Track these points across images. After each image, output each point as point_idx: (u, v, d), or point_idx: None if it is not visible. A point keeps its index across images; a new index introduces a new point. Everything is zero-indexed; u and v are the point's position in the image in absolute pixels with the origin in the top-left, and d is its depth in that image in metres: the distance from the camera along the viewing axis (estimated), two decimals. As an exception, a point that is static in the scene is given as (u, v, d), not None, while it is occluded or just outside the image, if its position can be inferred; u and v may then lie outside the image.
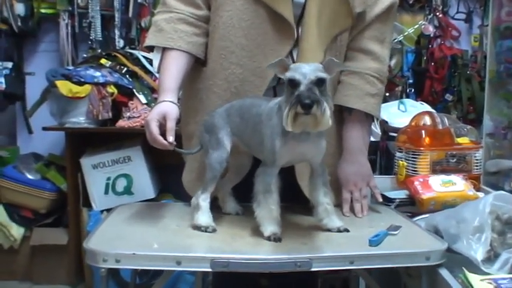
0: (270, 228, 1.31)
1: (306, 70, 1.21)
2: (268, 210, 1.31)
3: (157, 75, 1.61)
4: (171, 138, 1.38)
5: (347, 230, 1.39)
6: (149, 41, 1.56)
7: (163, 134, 1.39)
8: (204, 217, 1.40)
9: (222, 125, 1.44)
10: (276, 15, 1.48)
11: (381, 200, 1.66)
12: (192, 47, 1.54)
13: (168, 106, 1.43)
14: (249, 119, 1.40)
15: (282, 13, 1.47)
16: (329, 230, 1.39)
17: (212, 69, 1.56)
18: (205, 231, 1.37)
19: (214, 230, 1.37)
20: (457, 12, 3.20)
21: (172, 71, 1.51)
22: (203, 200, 1.42)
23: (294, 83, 1.21)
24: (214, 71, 1.56)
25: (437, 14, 3.16)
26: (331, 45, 1.54)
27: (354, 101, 1.60)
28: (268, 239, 1.30)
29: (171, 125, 1.39)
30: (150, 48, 1.58)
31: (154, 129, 1.38)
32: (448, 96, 3.13)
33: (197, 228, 1.39)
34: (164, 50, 1.53)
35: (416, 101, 3.00)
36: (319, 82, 1.21)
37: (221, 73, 1.54)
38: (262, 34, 1.50)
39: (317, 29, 1.49)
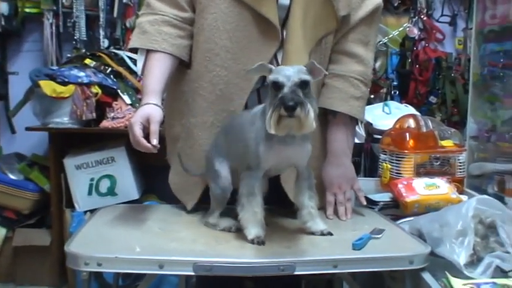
0: (253, 231, 1.31)
1: (290, 72, 1.20)
2: (252, 213, 1.31)
3: (141, 77, 1.59)
4: (154, 141, 1.37)
5: (330, 234, 1.39)
6: (133, 43, 1.55)
7: (146, 136, 1.38)
8: (223, 222, 1.43)
9: (214, 154, 1.46)
10: (260, 18, 1.47)
11: (365, 203, 1.66)
12: (176, 49, 1.53)
13: (151, 109, 1.42)
14: (232, 132, 1.41)
15: (266, 16, 1.46)
16: (313, 233, 1.39)
17: (197, 72, 1.55)
18: (231, 231, 1.40)
19: (237, 229, 1.38)
20: (442, 15, 3.22)
21: (156, 73, 1.50)
22: (214, 219, 1.46)
23: (277, 86, 1.20)
24: (199, 74, 1.55)
25: (422, 16, 3.18)
26: (315, 47, 1.54)
27: (338, 104, 1.59)
28: (252, 242, 1.29)
29: (154, 128, 1.39)
30: (135, 50, 1.57)
31: (138, 132, 1.38)
32: (433, 99, 3.15)
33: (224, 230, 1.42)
34: (148, 52, 1.52)
35: (401, 103, 3.01)
36: (303, 84, 1.20)
37: (206, 75, 1.53)
38: (247, 37, 1.49)
39: (302, 31, 1.49)
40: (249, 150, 1.32)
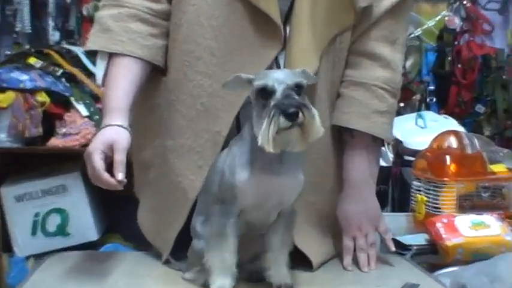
0: (218, 281, 1.33)
1: (280, 75, 1.23)
2: (220, 258, 1.33)
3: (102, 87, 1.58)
4: (120, 175, 1.35)
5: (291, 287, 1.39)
6: (92, 43, 1.55)
7: (109, 167, 1.37)
8: (202, 276, 1.42)
9: (195, 214, 1.48)
10: (256, 11, 1.47)
11: (393, 248, 1.65)
12: (148, 52, 1.53)
13: (116, 132, 1.41)
14: (209, 179, 1.43)
15: (264, 9, 1.46)
16: (270, 285, 1.39)
17: (174, 81, 1.55)
18: None
19: None
20: (490, 1, 3.23)
21: (121, 84, 1.49)
22: (191, 274, 1.46)
23: (266, 92, 1.22)
24: (177, 83, 1.55)
25: (465, 3, 3.19)
26: (328, 48, 1.55)
27: (358, 121, 1.59)
28: None
29: (120, 158, 1.37)
30: (94, 53, 1.56)
31: (98, 163, 1.36)
32: (480, 108, 3.16)
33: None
34: (111, 56, 1.52)
35: (439, 113, 3.02)
36: (298, 88, 1.23)
37: (185, 85, 1.53)
38: (239, 36, 1.49)
39: (310, 28, 1.49)
40: (223, 180, 1.33)
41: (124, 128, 1.43)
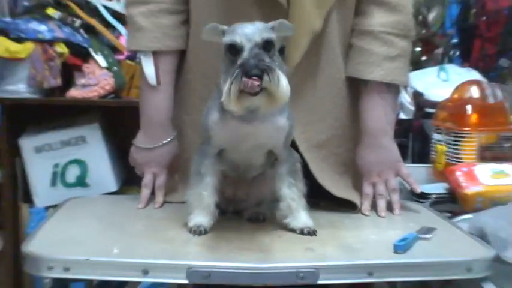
0: (196, 219, 1.39)
1: (249, 30, 1.24)
2: (198, 196, 1.40)
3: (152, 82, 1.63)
4: (160, 198, 1.65)
5: (314, 233, 1.40)
6: (130, 44, 1.67)
7: None
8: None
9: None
10: None
11: (419, 190, 1.69)
12: (182, 41, 1.65)
13: (170, 154, 1.67)
14: None
15: None
16: (293, 231, 1.41)
17: (190, 61, 1.66)
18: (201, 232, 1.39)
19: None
20: (515, -51, 3.18)
21: (166, 90, 1.65)
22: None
23: (235, 49, 1.24)
24: (192, 63, 1.66)
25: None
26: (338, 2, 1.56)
27: (368, 70, 1.62)
28: (189, 231, 1.38)
29: (161, 182, 1.67)
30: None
31: (148, 186, 1.66)
32: (504, 62, 3.13)
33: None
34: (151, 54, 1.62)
35: (463, 66, 3.01)
36: (267, 45, 1.25)
37: (200, 66, 1.63)
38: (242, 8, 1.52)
39: None
40: (202, 121, 1.40)
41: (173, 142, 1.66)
